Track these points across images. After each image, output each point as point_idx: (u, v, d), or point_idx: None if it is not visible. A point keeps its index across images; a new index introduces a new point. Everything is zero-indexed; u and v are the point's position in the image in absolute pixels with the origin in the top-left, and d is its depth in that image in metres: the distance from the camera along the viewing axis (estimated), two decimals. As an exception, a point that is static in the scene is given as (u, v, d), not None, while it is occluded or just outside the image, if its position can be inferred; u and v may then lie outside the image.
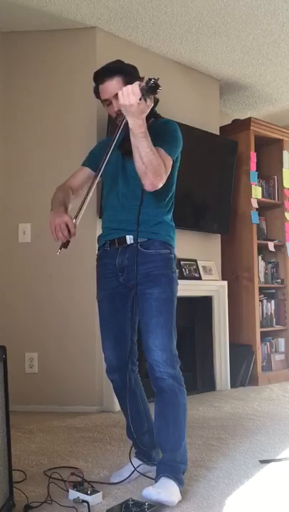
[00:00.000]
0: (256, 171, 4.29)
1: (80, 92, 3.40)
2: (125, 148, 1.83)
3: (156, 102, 1.85)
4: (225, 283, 4.02)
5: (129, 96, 1.63)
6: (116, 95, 1.82)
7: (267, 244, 4.40)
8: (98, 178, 1.88)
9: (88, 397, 3.22)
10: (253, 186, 4.25)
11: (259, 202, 4.30)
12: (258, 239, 4.30)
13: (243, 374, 4.04)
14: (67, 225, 1.85)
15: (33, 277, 3.33)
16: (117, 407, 3.18)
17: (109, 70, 1.92)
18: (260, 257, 4.39)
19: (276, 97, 4.62)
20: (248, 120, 4.28)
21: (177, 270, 1.99)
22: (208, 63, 3.97)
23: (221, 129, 4.30)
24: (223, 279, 4.11)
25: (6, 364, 1.70)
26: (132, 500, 1.69)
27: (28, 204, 3.38)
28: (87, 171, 2.12)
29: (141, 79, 1.87)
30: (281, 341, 4.50)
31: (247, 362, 4.07)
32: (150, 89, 1.61)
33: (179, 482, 1.79)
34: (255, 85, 4.37)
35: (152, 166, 1.74)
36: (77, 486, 1.82)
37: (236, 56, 3.86)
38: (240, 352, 4.08)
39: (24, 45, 3.45)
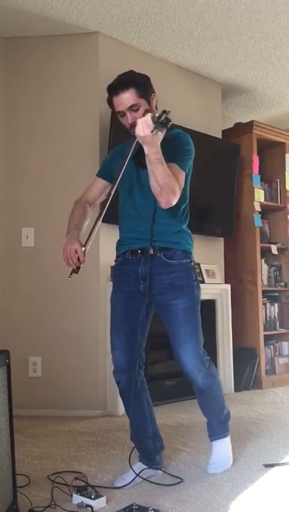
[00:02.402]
0: (259, 174, 4.29)
1: (83, 96, 3.41)
2: (140, 160, 1.89)
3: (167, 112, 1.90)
4: (228, 286, 4.01)
5: (143, 128, 1.69)
6: (131, 107, 1.91)
7: (270, 248, 4.39)
8: (111, 195, 1.92)
9: (92, 401, 3.22)
10: (255, 189, 4.25)
11: (262, 205, 4.30)
12: (261, 242, 4.30)
13: (246, 378, 4.03)
14: (76, 252, 1.92)
15: (37, 281, 3.34)
16: (121, 411, 3.19)
17: (124, 82, 1.95)
18: (263, 260, 4.38)
19: (278, 100, 4.62)
20: (251, 123, 4.29)
21: (198, 271, 2.04)
22: (210, 67, 3.98)
23: (224, 132, 4.31)
24: (226, 282, 4.11)
25: (9, 368, 1.70)
26: (136, 505, 1.69)
27: (31, 208, 3.38)
28: (102, 183, 2.17)
29: (153, 93, 1.99)
30: (285, 345, 4.49)
31: (251, 365, 4.06)
32: (161, 124, 1.68)
33: (227, 433, 2.15)
34: (257, 89, 4.37)
35: (167, 187, 1.82)
36: (81, 490, 1.82)
37: (238, 60, 3.87)
38: (244, 355, 4.07)
39: (26, 50, 3.47)
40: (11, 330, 3.29)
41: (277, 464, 2.20)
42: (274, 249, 4.41)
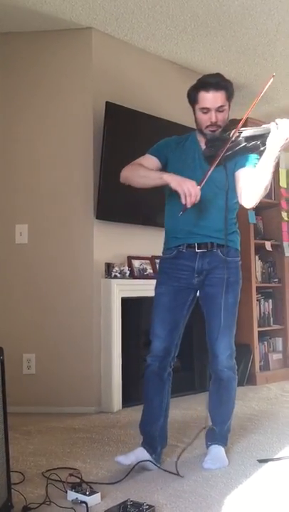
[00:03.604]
0: (253, 170, 4.29)
1: (77, 92, 3.40)
2: (218, 161, 1.97)
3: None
4: (222, 283, 4.01)
5: None
6: (219, 107, 2.05)
7: (264, 244, 4.40)
8: (202, 184, 1.95)
9: (86, 398, 3.22)
10: (249, 186, 4.25)
11: (256, 201, 4.30)
12: (255, 238, 4.31)
13: (240, 373, 4.03)
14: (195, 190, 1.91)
15: (30, 278, 3.33)
16: (116, 407, 3.19)
17: (219, 82, 2.06)
18: (257, 257, 4.39)
19: (272, 97, 4.62)
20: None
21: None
22: (204, 63, 3.97)
23: (218, 128, 4.30)
24: (220, 278, 4.11)
25: (3, 365, 1.70)
26: (131, 500, 1.69)
27: (25, 205, 3.37)
28: (156, 161, 2.16)
29: (233, 96, 2.14)
30: (278, 341, 4.51)
31: (245, 361, 4.07)
32: None
33: (225, 444, 2.22)
34: (251, 85, 4.37)
35: (265, 191, 2.03)
36: (76, 486, 1.82)
37: (232, 56, 3.86)
38: (238, 351, 3.99)
39: (19, 46, 3.45)
40: (5, 327, 3.28)
41: (271, 459, 2.21)
42: (268, 245, 4.42)
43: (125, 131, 3.35)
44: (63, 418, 3.02)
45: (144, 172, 2.07)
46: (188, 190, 1.89)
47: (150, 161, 2.16)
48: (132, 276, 3.38)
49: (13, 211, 3.38)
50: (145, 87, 3.66)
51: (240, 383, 4.00)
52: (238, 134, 1.95)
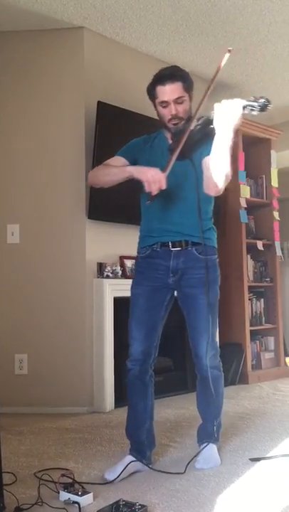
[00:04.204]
0: (244, 170, 4.31)
1: (68, 91, 3.39)
2: (182, 153, 1.90)
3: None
4: (214, 282, 4.02)
5: (230, 110, 1.82)
6: (177, 99, 1.98)
7: (256, 243, 4.42)
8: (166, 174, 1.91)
9: (79, 398, 3.21)
10: (241, 186, 4.27)
11: (248, 201, 4.32)
12: (247, 238, 4.32)
13: (233, 372, 4.06)
14: (159, 178, 1.87)
15: (22, 278, 3.32)
16: (108, 407, 3.19)
17: (174, 74, 2.01)
18: (249, 256, 4.41)
19: (263, 97, 4.63)
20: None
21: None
22: (196, 63, 3.98)
23: (209, 128, 4.31)
24: (212, 278, 4.12)
25: (-5, 366, 1.69)
26: (123, 500, 1.69)
27: (17, 205, 3.36)
28: (124, 161, 2.13)
29: (192, 86, 2.07)
30: (270, 340, 4.53)
31: (237, 360, 4.08)
32: (260, 107, 1.79)
33: (217, 441, 2.21)
34: (243, 85, 4.39)
35: (227, 176, 1.93)
36: (68, 487, 1.81)
37: (223, 56, 3.86)
38: (230, 351, 4.09)
39: (11, 45, 3.43)
40: (-3, 327, 3.27)
41: (263, 458, 2.22)
42: (260, 245, 4.44)
43: (117, 131, 3.34)
44: (55, 418, 3.01)
45: (108, 170, 2.06)
46: (152, 176, 1.85)
47: (118, 161, 2.14)
48: (124, 275, 3.38)
49: (5, 211, 3.36)
50: (137, 86, 3.64)
51: (233, 382, 4.03)
52: (197, 122, 1.90)
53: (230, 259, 4.28)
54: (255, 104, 1.75)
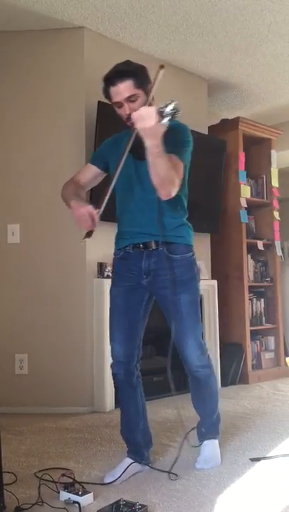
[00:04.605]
0: (245, 170, 4.31)
1: (69, 91, 3.39)
2: (138, 152, 1.85)
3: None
4: (215, 282, 4.03)
5: (145, 120, 1.65)
6: (128, 97, 1.89)
7: (256, 243, 4.42)
8: (114, 181, 1.88)
9: (79, 398, 3.21)
10: (241, 185, 4.27)
11: (248, 201, 4.32)
12: (247, 238, 4.32)
13: (233, 372, 4.06)
14: (90, 215, 1.85)
15: (23, 278, 3.32)
16: (108, 407, 3.19)
17: (121, 72, 1.93)
18: (249, 256, 4.41)
19: (264, 97, 4.64)
20: (237, 120, 4.30)
21: (198, 266, 2.09)
22: (197, 63, 3.98)
23: (210, 128, 4.32)
24: (212, 278, 4.12)
25: (-5, 366, 1.69)
26: (123, 500, 1.69)
27: (17, 205, 3.36)
28: (95, 170, 2.14)
29: (151, 83, 1.93)
30: (271, 339, 4.53)
31: (237, 360, 4.08)
32: (169, 115, 1.64)
33: (217, 434, 2.18)
34: (243, 85, 4.39)
35: (168, 179, 1.81)
36: (68, 487, 1.81)
37: (224, 56, 3.87)
38: (231, 350, 4.09)
39: (11, 45, 3.43)
40: (-3, 327, 3.27)
41: (263, 458, 2.22)
42: (260, 244, 4.44)
43: (118, 131, 3.34)
44: (56, 418, 3.01)
45: (65, 196, 2.04)
46: (80, 216, 1.84)
47: (88, 171, 2.12)
48: (125, 275, 3.38)
49: (5, 211, 3.36)
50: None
51: (233, 382, 4.04)
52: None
53: (231, 259, 4.29)
54: (166, 110, 1.63)
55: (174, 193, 1.86)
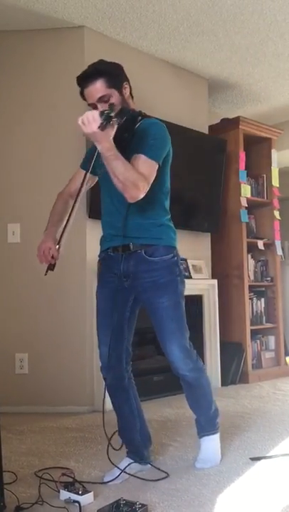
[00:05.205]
0: (245, 169, 4.31)
1: (68, 91, 3.37)
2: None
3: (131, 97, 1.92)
4: (215, 281, 4.03)
5: (90, 124, 1.66)
6: (101, 98, 1.86)
7: (256, 243, 4.42)
8: (83, 190, 1.90)
9: (79, 397, 3.21)
10: (242, 185, 4.27)
11: (248, 200, 4.32)
12: (248, 237, 4.32)
13: (233, 372, 4.06)
14: (50, 250, 1.94)
15: (23, 278, 3.32)
16: (109, 406, 3.17)
17: (92, 73, 1.89)
18: (249, 256, 4.41)
19: (264, 96, 4.64)
20: (237, 119, 4.30)
21: (183, 267, 2.03)
22: (197, 62, 3.98)
23: (210, 127, 4.31)
24: (213, 277, 4.12)
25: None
26: (123, 499, 1.69)
27: (17, 204, 3.36)
28: (83, 174, 2.09)
29: (125, 82, 1.95)
30: (271, 339, 4.53)
31: (237, 360, 4.08)
32: (106, 120, 1.65)
33: (216, 430, 2.15)
34: (244, 84, 4.38)
35: (129, 181, 1.76)
36: (69, 486, 1.82)
37: (224, 55, 3.87)
38: (231, 350, 4.09)
39: (11, 45, 3.43)
40: (-2, 326, 3.27)
41: (264, 457, 2.22)
42: (260, 244, 4.44)
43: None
44: (56, 417, 3.01)
45: (50, 217, 2.10)
46: (39, 252, 1.98)
47: (78, 177, 2.09)
48: (125, 275, 3.38)
49: (6, 210, 3.36)
50: (137, 86, 3.64)
51: (233, 381, 4.04)
52: (119, 120, 1.77)
53: (231, 258, 4.28)
54: (106, 112, 1.65)
55: (140, 195, 1.80)
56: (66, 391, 3.22)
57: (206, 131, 4.20)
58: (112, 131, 1.68)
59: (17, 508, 1.70)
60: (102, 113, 1.66)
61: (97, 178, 2.13)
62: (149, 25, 3.41)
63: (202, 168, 4.04)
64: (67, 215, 2.00)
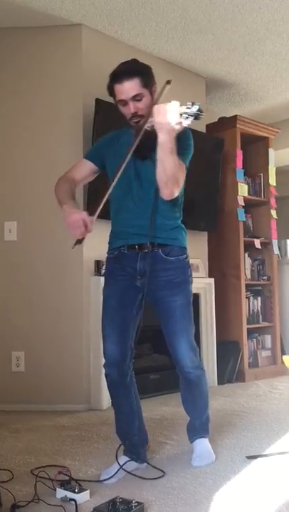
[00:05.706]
0: (242, 168, 4.31)
1: (66, 88, 3.38)
2: (140, 151, 1.86)
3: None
4: (212, 280, 4.03)
5: (166, 114, 1.68)
6: (134, 96, 1.89)
7: (253, 242, 4.42)
8: (115, 182, 1.87)
9: (76, 396, 3.21)
10: (239, 184, 4.27)
11: (245, 199, 4.32)
12: (245, 236, 4.32)
13: (230, 370, 4.07)
14: (84, 222, 1.81)
15: (20, 276, 3.31)
16: (105, 405, 3.19)
17: (129, 71, 1.92)
18: (246, 255, 4.41)
19: (262, 95, 4.64)
20: (234, 118, 4.30)
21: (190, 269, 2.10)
22: (195, 61, 3.98)
23: (208, 126, 4.31)
24: (210, 276, 4.13)
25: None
26: (120, 498, 1.69)
27: (14, 202, 3.35)
28: (90, 166, 2.12)
29: (154, 84, 1.97)
30: (267, 338, 4.54)
31: (234, 358, 4.09)
32: (194, 116, 1.66)
33: (207, 433, 2.20)
34: (241, 83, 4.38)
35: (174, 178, 1.83)
36: (65, 484, 1.81)
37: (222, 54, 3.87)
38: (227, 349, 4.10)
39: (8, 42, 3.42)
40: (-6, 324, 3.26)
41: (260, 456, 2.22)
42: (257, 243, 4.44)
43: (115, 128, 3.34)
44: (52, 416, 3.01)
45: (59, 194, 2.01)
46: (73, 222, 1.81)
47: (83, 167, 2.10)
48: (122, 273, 3.38)
49: (2, 208, 3.36)
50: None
51: (230, 380, 4.04)
52: (150, 122, 1.80)
53: (228, 257, 4.29)
54: (189, 111, 1.64)
55: (176, 194, 1.89)
56: (62, 389, 3.22)
57: (203, 129, 4.20)
58: (179, 128, 1.72)
59: (13, 506, 1.70)
60: (188, 108, 1.66)
61: (96, 174, 2.13)
62: (146, 23, 3.40)
63: (199, 167, 4.01)
64: (75, 194, 1.99)
